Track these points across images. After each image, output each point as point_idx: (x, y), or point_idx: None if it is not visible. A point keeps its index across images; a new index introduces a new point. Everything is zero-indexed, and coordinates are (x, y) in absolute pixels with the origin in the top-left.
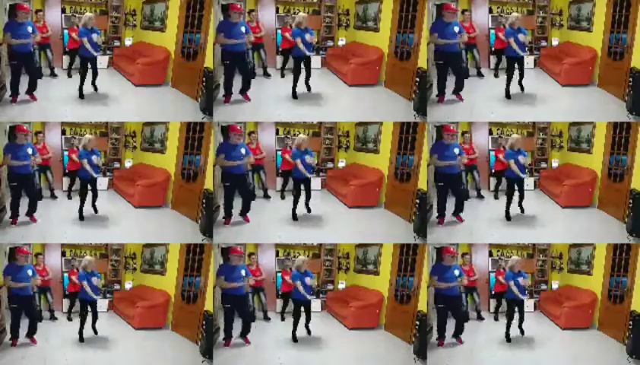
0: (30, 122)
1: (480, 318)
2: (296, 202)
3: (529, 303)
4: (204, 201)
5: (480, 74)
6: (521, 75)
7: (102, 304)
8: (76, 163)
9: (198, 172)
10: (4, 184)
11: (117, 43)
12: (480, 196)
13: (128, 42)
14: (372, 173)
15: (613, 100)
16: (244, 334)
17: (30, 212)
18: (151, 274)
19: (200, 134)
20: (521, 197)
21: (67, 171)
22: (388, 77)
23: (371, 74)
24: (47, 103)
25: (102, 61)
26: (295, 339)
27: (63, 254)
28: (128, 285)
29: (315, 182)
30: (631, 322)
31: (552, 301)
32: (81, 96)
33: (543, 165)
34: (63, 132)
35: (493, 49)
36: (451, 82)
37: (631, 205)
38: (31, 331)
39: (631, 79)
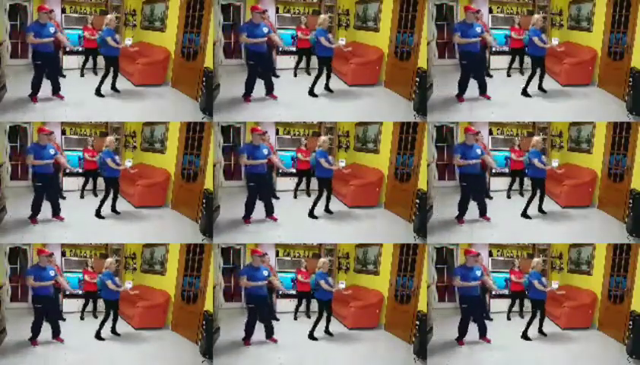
0: (30, 122)
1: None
2: (327, 201)
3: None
4: (204, 201)
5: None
6: (542, 76)
7: (100, 304)
8: (91, 163)
9: (197, 172)
10: (4, 184)
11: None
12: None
13: (128, 42)
14: (372, 173)
15: (613, 100)
16: (269, 334)
17: (56, 212)
18: (151, 274)
19: (200, 134)
20: (542, 198)
21: (84, 171)
22: (388, 77)
23: (371, 74)
24: (47, 103)
25: (102, 61)
26: (313, 337)
27: (63, 254)
28: (128, 285)
29: (314, 182)
30: (631, 322)
31: (553, 301)
32: (100, 94)
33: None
34: (63, 132)
35: (509, 48)
36: (472, 82)
37: (631, 205)
38: (56, 332)
39: (631, 79)
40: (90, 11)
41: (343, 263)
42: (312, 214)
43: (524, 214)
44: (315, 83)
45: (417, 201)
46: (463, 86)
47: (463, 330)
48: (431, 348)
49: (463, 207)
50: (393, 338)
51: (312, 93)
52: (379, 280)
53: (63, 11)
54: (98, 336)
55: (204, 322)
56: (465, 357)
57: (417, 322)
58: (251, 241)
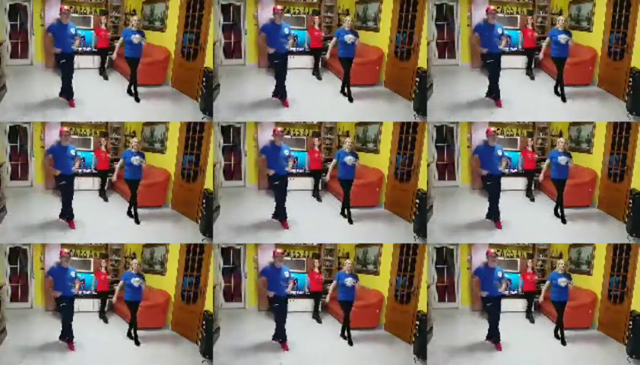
0: (30, 122)
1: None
2: (346, 205)
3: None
4: (204, 201)
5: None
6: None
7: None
8: (104, 163)
9: (197, 172)
10: (4, 184)
11: (117, 43)
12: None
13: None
14: (372, 173)
15: (613, 100)
16: (278, 336)
17: (64, 214)
18: (151, 274)
19: (200, 134)
20: (561, 201)
21: (97, 170)
22: (388, 77)
23: (371, 74)
24: (47, 103)
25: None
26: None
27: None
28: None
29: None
30: (631, 322)
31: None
32: (134, 96)
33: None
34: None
35: (522, 48)
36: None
37: (631, 205)
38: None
39: (631, 79)
40: (90, 11)
41: (344, 263)
42: (343, 213)
43: (556, 214)
44: (344, 87)
45: (417, 201)
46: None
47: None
48: (431, 348)
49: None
50: (393, 338)
51: (343, 92)
52: (379, 280)
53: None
54: (129, 336)
55: (204, 322)
56: (465, 357)
57: (417, 322)
58: (252, 241)
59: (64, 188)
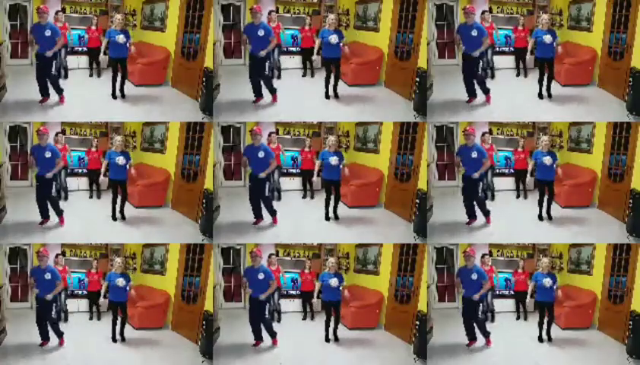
0: (30, 122)
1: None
2: (335, 204)
3: (530, 303)
4: (204, 201)
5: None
6: (550, 79)
7: (102, 304)
8: (96, 163)
9: (198, 172)
10: (4, 184)
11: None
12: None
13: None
14: (372, 173)
15: (613, 100)
16: (271, 336)
17: (54, 215)
18: (151, 274)
19: (200, 134)
20: (550, 200)
21: (87, 170)
22: (388, 77)
23: (371, 74)
24: (47, 103)
25: (103, 61)
26: (327, 339)
27: (63, 254)
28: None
29: (315, 182)
30: (631, 322)
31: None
32: (114, 96)
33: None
34: (63, 132)
35: (513, 48)
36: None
37: (631, 205)
38: (53, 334)
39: (631, 79)
40: (90, 11)
41: (343, 263)
42: (327, 217)
43: (540, 217)
44: (334, 87)
45: (417, 201)
46: (468, 87)
47: (466, 331)
48: (431, 348)
49: (468, 210)
50: (393, 338)
51: (335, 95)
52: (379, 280)
53: (63, 10)
54: (113, 339)
55: (204, 322)
56: (465, 357)
57: (417, 322)
58: (252, 241)
59: (37, 188)
